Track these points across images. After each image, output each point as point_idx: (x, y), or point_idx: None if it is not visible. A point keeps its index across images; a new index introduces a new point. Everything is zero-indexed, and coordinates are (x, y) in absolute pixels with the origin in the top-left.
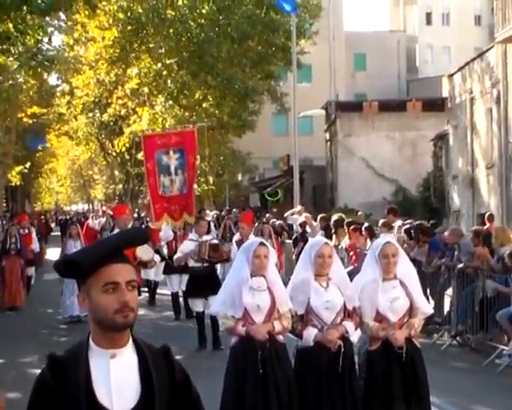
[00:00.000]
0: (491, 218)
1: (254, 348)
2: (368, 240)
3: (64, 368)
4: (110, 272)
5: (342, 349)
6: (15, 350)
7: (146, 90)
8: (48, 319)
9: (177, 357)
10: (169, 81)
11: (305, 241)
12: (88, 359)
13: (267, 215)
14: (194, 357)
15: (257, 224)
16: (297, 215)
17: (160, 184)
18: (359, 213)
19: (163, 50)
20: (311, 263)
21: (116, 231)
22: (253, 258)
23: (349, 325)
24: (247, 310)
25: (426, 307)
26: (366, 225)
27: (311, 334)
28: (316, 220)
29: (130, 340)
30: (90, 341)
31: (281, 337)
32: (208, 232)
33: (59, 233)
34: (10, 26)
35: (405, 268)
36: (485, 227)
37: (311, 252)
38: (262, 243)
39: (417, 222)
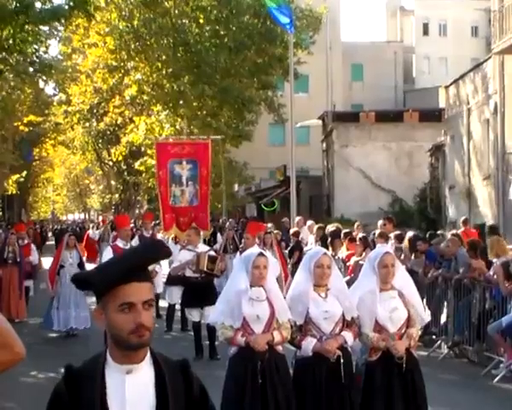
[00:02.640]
0: (466, 222)
1: (253, 358)
2: (362, 250)
3: (80, 381)
4: (127, 292)
5: (341, 360)
6: None
7: (145, 97)
8: (42, 328)
9: None
10: (166, 90)
11: (301, 250)
12: (104, 373)
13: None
14: (192, 367)
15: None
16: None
17: (171, 194)
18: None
19: (161, 59)
20: (310, 273)
21: (118, 242)
22: (253, 269)
23: (348, 335)
24: (247, 320)
25: (425, 315)
26: (360, 235)
27: (309, 344)
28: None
29: (148, 354)
30: (108, 355)
31: (280, 348)
32: (215, 243)
33: (54, 243)
34: (8, 34)
35: (403, 278)
36: (460, 231)
37: (310, 262)
38: (261, 254)
39: (414, 233)
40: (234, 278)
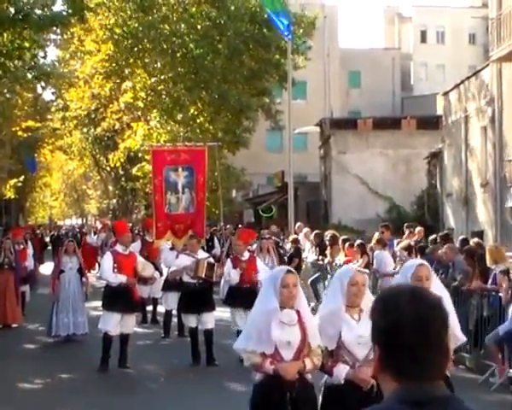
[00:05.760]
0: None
1: (282, 387)
2: (359, 257)
3: None
4: None
5: (375, 389)
6: (6, 364)
7: (140, 104)
8: (40, 333)
9: (172, 373)
10: (163, 96)
11: (300, 257)
12: None
13: (261, 231)
14: (189, 373)
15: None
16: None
17: (167, 202)
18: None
19: (158, 65)
20: (342, 293)
21: (118, 247)
22: (281, 287)
23: None
24: (276, 346)
25: (459, 334)
26: (358, 241)
27: (341, 371)
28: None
29: None
30: None
31: (309, 376)
32: (213, 248)
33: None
34: (6, 40)
35: (437, 293)
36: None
37: (342, 280)
38: (289, 271)
39: (413, 240)
40: (261, 298)
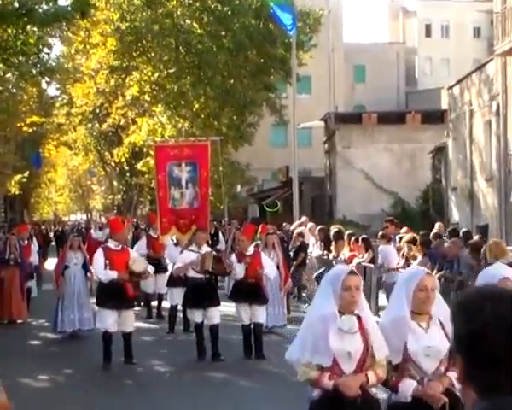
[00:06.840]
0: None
1: (343, 405)
2: (364, 252)
3: None
4: None
5: (447, 408)
6: (10, 360)
7: (146, 97)
8: (44, 330)
9: (177, 369)
10: (168, 91)
11: (306, 251)
12: None
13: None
14: (194, 368)
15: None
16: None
17: (170, 197)
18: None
19: (163, 60)
20: (408, 299)
21: (110, 243)
22: (342, 290)
23: (455, 375)
24: (335, 357)
25: None
26: (363, 236)
27: (408, 387)
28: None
29: None
30: None
31: (373, 390)
32: (217, 243)
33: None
34: (10, 35)
35: None
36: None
37: (408, 284)
38: (353, 272)
39: (421, 233)
40: (317, 301)
